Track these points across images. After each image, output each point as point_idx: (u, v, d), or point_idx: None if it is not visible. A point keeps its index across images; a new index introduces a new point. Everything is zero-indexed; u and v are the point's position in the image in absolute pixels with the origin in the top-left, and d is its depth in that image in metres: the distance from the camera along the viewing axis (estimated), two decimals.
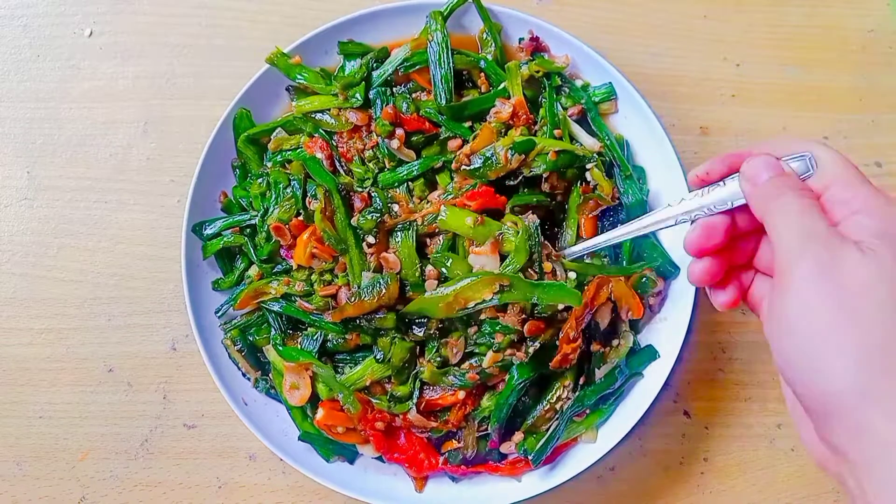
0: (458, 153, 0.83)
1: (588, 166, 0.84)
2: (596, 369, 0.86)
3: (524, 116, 0.85)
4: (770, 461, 0.94)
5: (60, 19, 1.00)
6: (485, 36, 0.90)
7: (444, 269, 0.79)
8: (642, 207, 0.87)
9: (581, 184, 0.85)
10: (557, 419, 0.84)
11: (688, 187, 0.86)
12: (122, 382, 0.94)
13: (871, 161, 0.98)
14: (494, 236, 0.78)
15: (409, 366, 0.83)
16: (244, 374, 0.88)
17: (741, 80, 0.99)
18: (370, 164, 0.86)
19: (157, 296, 0.95)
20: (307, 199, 0.84)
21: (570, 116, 0.89)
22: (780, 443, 0.94)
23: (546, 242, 0.81)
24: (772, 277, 0.62)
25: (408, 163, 0.84)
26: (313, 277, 0.84)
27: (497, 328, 0.79)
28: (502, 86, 0.87)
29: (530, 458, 0.83)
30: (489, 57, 0.89)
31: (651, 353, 0.87)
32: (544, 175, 0.82)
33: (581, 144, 0.87)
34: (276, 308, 0.86)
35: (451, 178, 0.84)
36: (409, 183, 0.84)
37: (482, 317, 0.80)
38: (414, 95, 0.88)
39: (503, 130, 0.84)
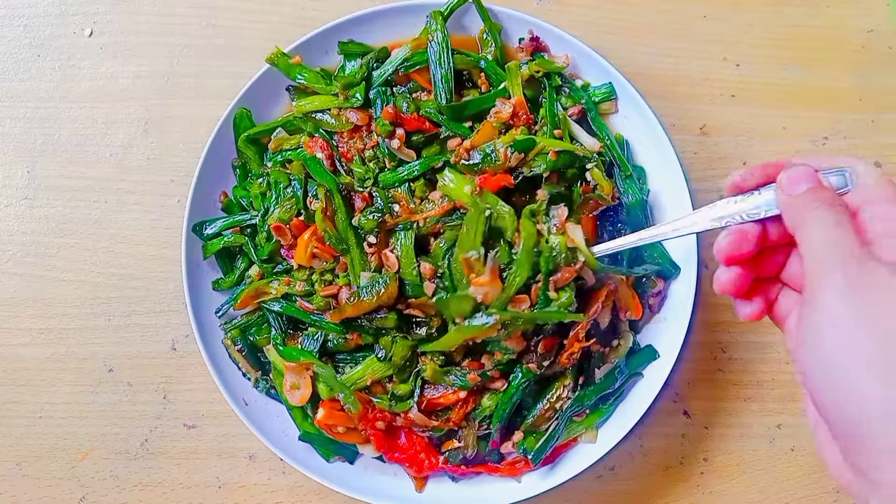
0: (458, 147, 0.83)
1: (588, 166, 0.84)
2: (596, 369, 0.86)
3: (524, 116, 0.85)
4: (770, 461, 0.94)
5: (60, 19, 1.00)
6: (485, 36, 0.90)
7: (439, 266, 0.79)
8: (642, 207, 0.87)
9: (581, 184, 0.85)
10: (557, 419, 0.84)
11: (690, 197, 0.86)
12: (122, 382, 0.94)
13: (871, 161, 0.98)
14: (495, 262, 0.77)
15: (411, 364, 0.83)
16: (244, 374, 0.88)
17: (741, 80, 0.99)
18: (370, 164, 0.86)
19: (157, 296, 0.95)
20: (308, 198, 0.84)
21: (570, 116, 0.89)
22: (780, 443, 0.94)
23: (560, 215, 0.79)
24: (799, 293, 0.61)
25: (408, 163, 0.84)
26: (314, 277, 0.84)
27: (497, 348, 0.79)
28: (502, 86, 0.87)
29: (530, 457, 0.83)
30: (489, 57, 0.89)
31: (651, 353, 0.87)
32: (544, 175, 0.82)
33: (581, 144, 0.87)
34: (276, 308, 0.86)
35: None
36: (410, 183, 0.84)
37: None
38: (414, 95, 0.88)
39: (503, 130, 0.84)
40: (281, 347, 0.86)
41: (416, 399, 0.83)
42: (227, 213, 0.91)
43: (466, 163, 0.82)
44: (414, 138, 0.85)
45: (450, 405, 0.83)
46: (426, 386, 0.84)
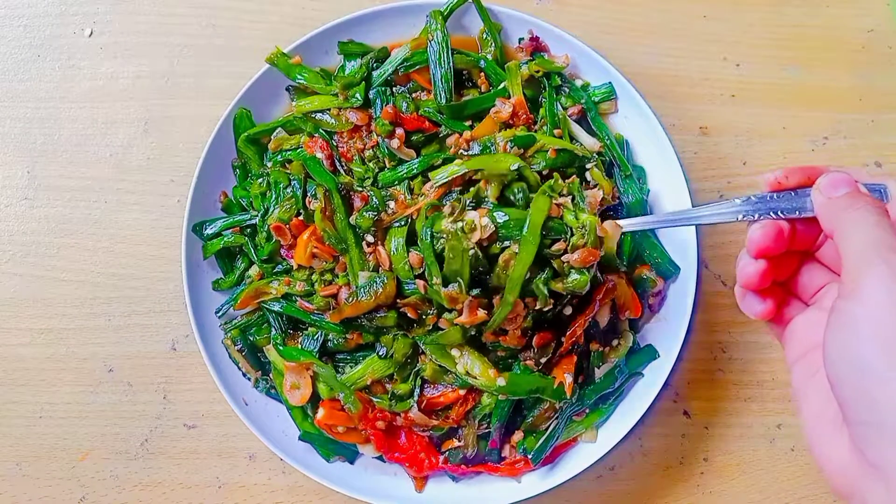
0: (458, 139, 0.83)
1: (588, 166, 0.84)
2: (595, 369, 0.86)
3: (524, 116, 0.85)
4: (770, 461, 0.94)
5: (60, 19, 1.00)
6: (485, 36, 0.90)
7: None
8: (642, 207, 0.87)
9: (581, 183, 0.85)
10: (557, 418, 0.84)
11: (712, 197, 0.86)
12: (122, 382, 0.94)
13: (871, 161, 0.98)
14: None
15: (411, 363, 0.83)
16: (244, 374, 0.88)
17: (741, 80, 0.99)
18: (370, 164, 0.86)
19: (157, 296, 0.95)
20: (307, 198, 0.84)
21: (570, 116, 0.89)
22: (780, 443, 0.94)
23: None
24: (804, 303, 0.63)
25: (408, 162, 0.84)
26: (314, 277, 0.84)
27: (499, 348, 0.80)
28: (502, 85, 0.87)
29: (530, 457, 0.83)
30: (489, 57, 0.89)
31: (651, 353, 0.87)
32: (544, 173, 0.82)
33: (581, 144, 0.87)
34: (276, 308, 0.86)
35: None
36: (409, 182, 0.84)
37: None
38: (414, 95, 0.88)
39: (503, 129, 0.84)
40: (281, 347, 0.86)
41: (416, 398, 0.83)
42: (227, 213, 0.91)
43: (466, 153, 0.82)
44: (414, 138, 0.85)
45: (450, 404, 0.84)
46: (426, 385, 0.84)
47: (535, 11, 0.98)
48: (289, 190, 0.86)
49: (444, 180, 0.78)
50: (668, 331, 0.87)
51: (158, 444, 0.94)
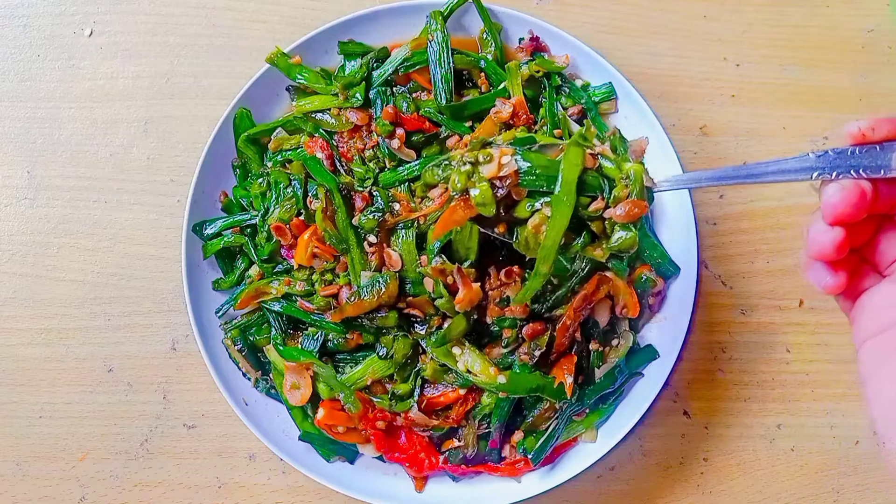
0: (458, 143, 0.83)
1: None
2: (595, 369, 0.86)
3: (524, 116, 0.85)
4: (770, 461, 0.94)
5: (60, 19, 1.00)
6: (485, 36, 0.90)
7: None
8: None
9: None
10: (557, 418, 0.84)
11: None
12: (122, 382, 0.94)
13: None
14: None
15: (411, 363, 0.83)
16: (244, 374, 0.88)
17: (741, 80, 0.99)
18: (370, 164, 0.86)
19: (157, 296, 0.95)
20: (308, 198, 0.84)
21: (570, 116, 0.89)
22: (780, 443, 0.94)
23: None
24: (881, 274, 0.55)
25: (408, 162, 0.84)
26: (314, 277, 0.84)
27: (505, 324, 0.79)
28: (502, 86, 0.87)
29: (530, 456, 0.83)
30: (489, 57, 0.89)
31: (651, 353, 0.87)
32: None
33: None
34: (276, 308, 0.86)
35: None
36: (410, 182, 0.84)
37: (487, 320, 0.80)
38: (414, 95, 0.88)
39: (503, 130, 0.84)
40: (281, 347, 0.86)
41: (416, 398, 0.83)
42: (227, 213, 0.91)
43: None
44: (414, 138, 0.85)
45: (450, 404, 0.84)
46: (426, 385, 0.84)
47: (535, 11, 0.98)
48: (289, 190, 0.86)
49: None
50: (668, 331, 0.87)
51: (158, 444, 0.94)
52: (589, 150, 0.66)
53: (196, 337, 0.86)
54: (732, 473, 0.93)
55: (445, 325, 0.79)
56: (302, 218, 0.84)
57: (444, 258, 0.73)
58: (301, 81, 0.89)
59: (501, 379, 0.79)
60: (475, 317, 0.79)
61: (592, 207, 0.65)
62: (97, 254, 0.96)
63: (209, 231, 0.88)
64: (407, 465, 0.86)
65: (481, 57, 0.89)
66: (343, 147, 0.87)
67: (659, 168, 0.89)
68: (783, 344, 0.95)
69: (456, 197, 0.68)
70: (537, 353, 0.80)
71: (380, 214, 0.80)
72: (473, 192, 0.66)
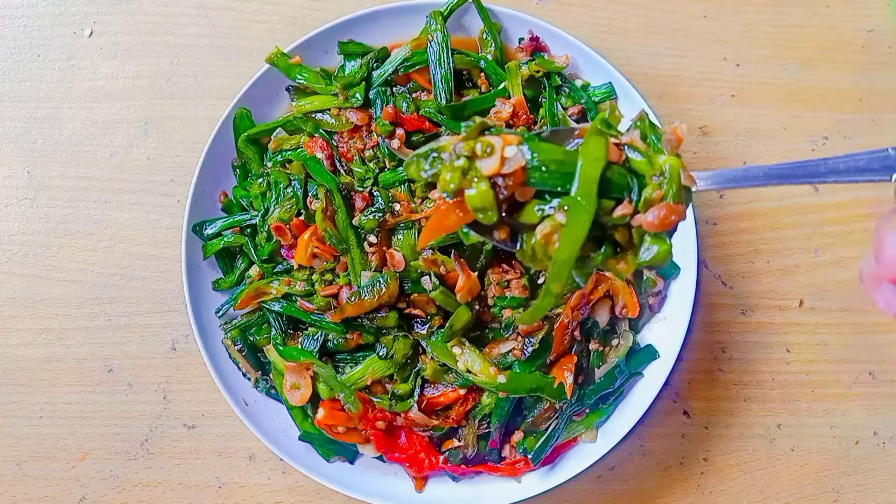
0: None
1: None
2: (595, 369, 0.86)
3: (524, 116, 0.85)
4: (770, 461, 0.94)
5: (60, 19, 1.00)
6: (485, 36, 0.90)
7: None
8: None
9: None
10: (557, 418, 0.84)
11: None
12: (122, 382, 0.94)
13: None
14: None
15: (411, 363, 0.83)
16: (244, 374, 0.88)
17: (741, 80, 0.99)
18: (370, 164, 0.86)
19: (157, 296, 0.95)
20: (308, 198, 0.84)
21: (570, 116, 0.89)
22: (780, 443, 0.94)
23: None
24: None
25: None
26: (314, 277, 0.84)
27: (505, 303, 0.79)
28: (502, 86, 0.87)
29: (530, 456, 0.83)
30: (489, 57, 0.89)
31: (651, 353, 0.87)
32: None
33: None
34: (276, 308, 0.86)
35: None
36: (410, 182, 0.84)
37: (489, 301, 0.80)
38: (414, 95, 0.88)
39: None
40: (281, 347, 0.86)
41: (416, 398, 0.83)
42: (227, 213, 0.91)
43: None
44: (414, 138, 0.85)
45: (450, 404, 0.84)
46: (426, 385, 0.84)
47: (535, 11, 0.98)
48: (289, 190, 0.86)
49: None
50: (668, 331, 0.87)
51: (158, 444, 0.94)
52: (613, 140, 0.53)
53: (196, 337, 0.86)
54: (732, 473, 0.94)
55: (447, 323, 0.79)
56: (302, 218, 0.84)
57: (435, 249, 0.72)
58: (301, 81, 0.89)
59: (501, 379, 0.79)
60: (477, 307, 0.79)
61: (618, 213, 0.52)
62: (97, 254, 0.96)
63: (209, 231, 0.88)
64: (407, 465, 0.86)
65: (481, 57, 0.89)
66: (343, 147, 0.87)
67: None
68: (783, 344, 0.95)
69: (447, 198, 0.54)
70: (529, 349, 0.80)
71: (380, 215, 0.81)
72: (469, 193, 0.52)
